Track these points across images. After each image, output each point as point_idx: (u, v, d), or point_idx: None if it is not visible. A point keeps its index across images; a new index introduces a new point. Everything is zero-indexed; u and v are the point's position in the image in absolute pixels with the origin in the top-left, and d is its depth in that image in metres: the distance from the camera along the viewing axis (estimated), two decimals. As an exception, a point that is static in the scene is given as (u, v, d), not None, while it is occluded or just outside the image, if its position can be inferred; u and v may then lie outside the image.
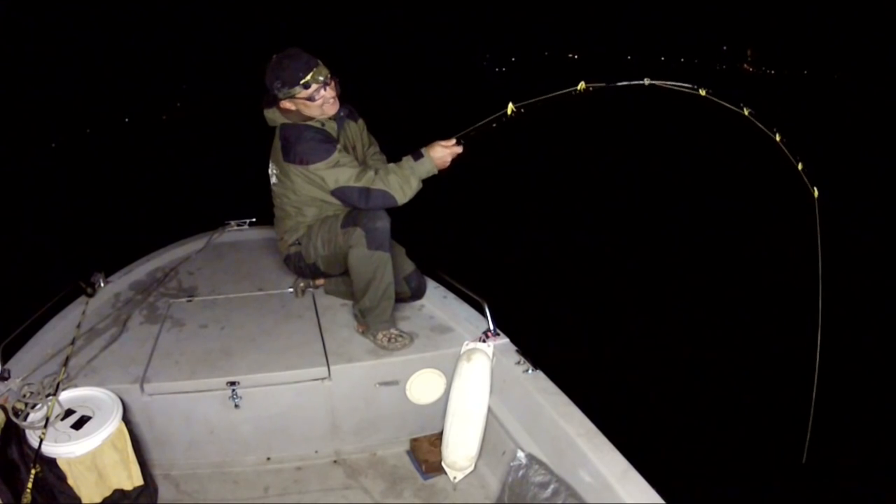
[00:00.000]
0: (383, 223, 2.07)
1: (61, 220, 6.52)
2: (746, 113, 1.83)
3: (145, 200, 7.21)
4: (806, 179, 1.90)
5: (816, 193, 1.89)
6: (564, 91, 1.85)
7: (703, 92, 1.77)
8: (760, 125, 1.84)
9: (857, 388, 3.40)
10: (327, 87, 2.07)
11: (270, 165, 2.29)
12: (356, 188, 2.05)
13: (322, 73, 2.04)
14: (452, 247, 5.10)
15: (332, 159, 2.06)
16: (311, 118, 2.14)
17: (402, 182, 2.03)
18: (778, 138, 1.86)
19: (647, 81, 1.78)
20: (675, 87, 1.78)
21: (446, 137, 2.05)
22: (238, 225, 3.21)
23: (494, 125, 1.95)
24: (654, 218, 6.69)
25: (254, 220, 3.21)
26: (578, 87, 1.84)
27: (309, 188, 2.15)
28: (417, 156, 2.04)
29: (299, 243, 2.31)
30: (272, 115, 2.19)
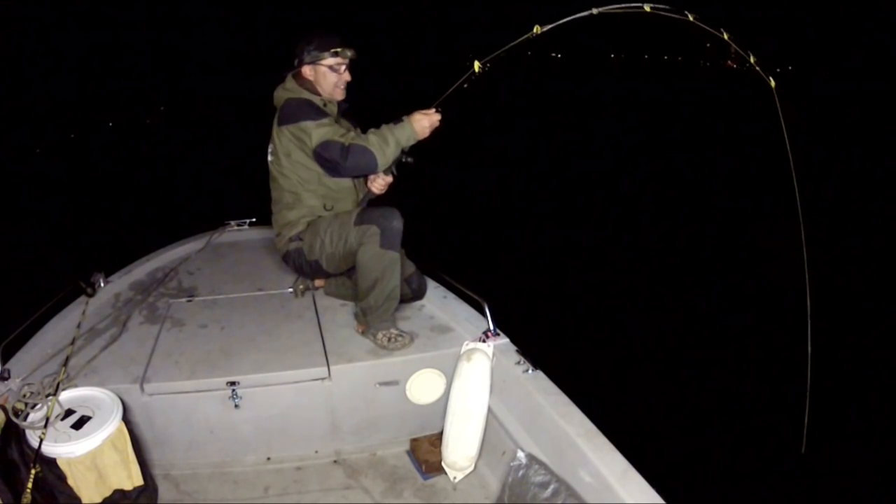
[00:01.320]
0: (398, 223, 2.10)
1: (61, 220, 6.53)
2: (692, 18, 1.82)
3: (145, 200, 7.22)
4: (760, 71, 1.88)
5: (773, 83, 1.88)
6: (522, 38, 1.88)
7: (647, 7, 1.78)
8: (707, 27, 1.84)
9: (853, 372, 3.41)
10: (348, 70, 2.21)
11: (269, 146, 2.32)
12: (338, 143, 2.11)
13: (351, 52, 2.19)
14: (452, 247, 5.10)
15: (322, 121, 2.15)
16: (318, 94, 2.23)
17: (381, 141, 2.08)
18: (726, 37, 1.86)
19: (595, 11, 1.80)
20: (621, 10, 1.79)
21: (426, 107, 2.11)
22: (238, 225, 3.22)
23: (466, 86, 2.01)
24: (654, 215, 6.69)
25: (254, 220, 3.22)
26: (534, 31, 1.86)
27: (298, 154, 2.20)
28: (397, 121, 2.11)
29: (300, 239, 2.30)
30: (280, 93, 2.26)
